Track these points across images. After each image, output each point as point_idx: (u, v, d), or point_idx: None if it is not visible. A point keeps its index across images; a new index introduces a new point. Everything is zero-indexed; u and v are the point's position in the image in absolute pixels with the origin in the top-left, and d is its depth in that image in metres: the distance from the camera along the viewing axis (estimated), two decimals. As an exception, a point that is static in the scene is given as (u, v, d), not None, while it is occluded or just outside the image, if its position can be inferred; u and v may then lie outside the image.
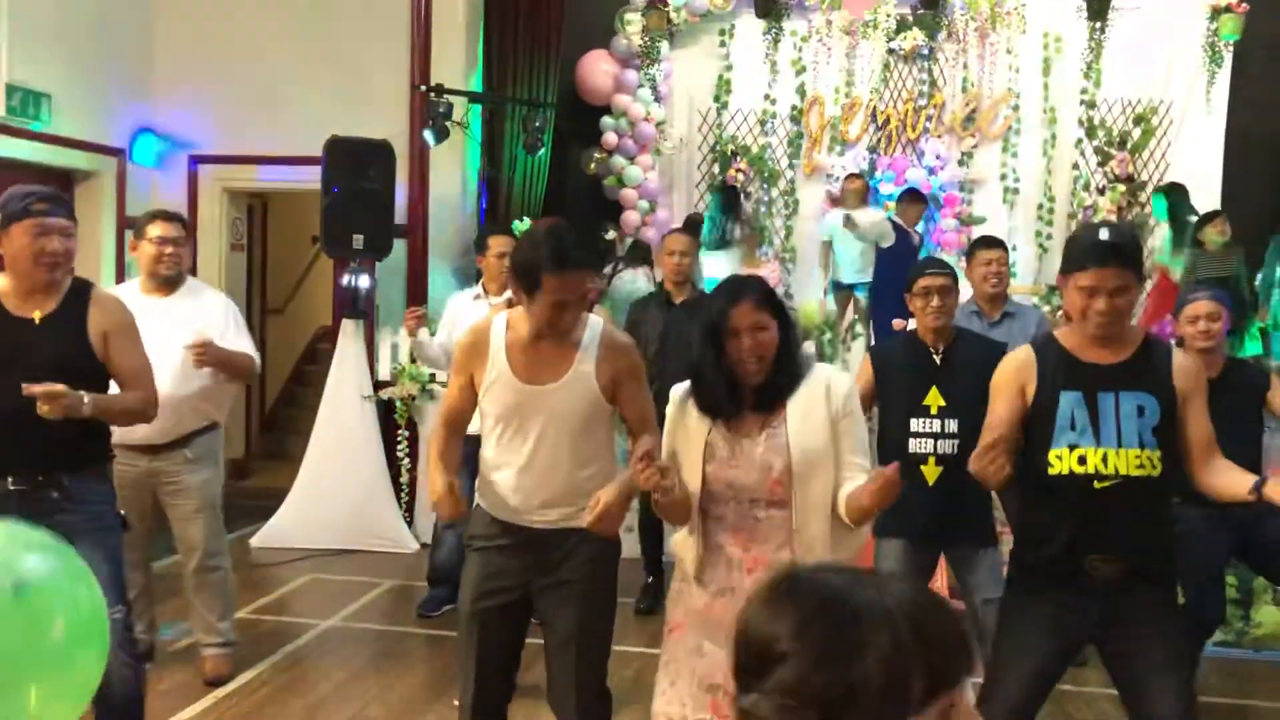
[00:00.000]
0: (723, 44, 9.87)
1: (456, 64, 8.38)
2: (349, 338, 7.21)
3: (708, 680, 2.78)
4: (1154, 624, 2.72)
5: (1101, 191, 9.36)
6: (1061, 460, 2.72)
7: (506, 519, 3.01)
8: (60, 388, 2.91)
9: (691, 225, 8.31)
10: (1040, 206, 9.50)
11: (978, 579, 3.87)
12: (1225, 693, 4.68)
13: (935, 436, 3.76)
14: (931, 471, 3.76)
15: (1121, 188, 9.33)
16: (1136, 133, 9.43)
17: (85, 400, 3.01)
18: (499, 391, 2.95)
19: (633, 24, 9.54)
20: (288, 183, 8.43)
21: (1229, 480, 2.75)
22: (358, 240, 7.06)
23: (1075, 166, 9.46)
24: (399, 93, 8.14)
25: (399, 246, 7.68)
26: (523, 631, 3.09)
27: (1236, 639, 5.22)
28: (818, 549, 2.73)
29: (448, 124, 7.88)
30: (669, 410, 2.87)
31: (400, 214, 7.75)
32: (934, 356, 3.85)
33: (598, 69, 9.69)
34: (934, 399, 3.76)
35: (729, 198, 8.88)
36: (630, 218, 9.64)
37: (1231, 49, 9.19)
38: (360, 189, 7.05)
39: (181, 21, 8.29)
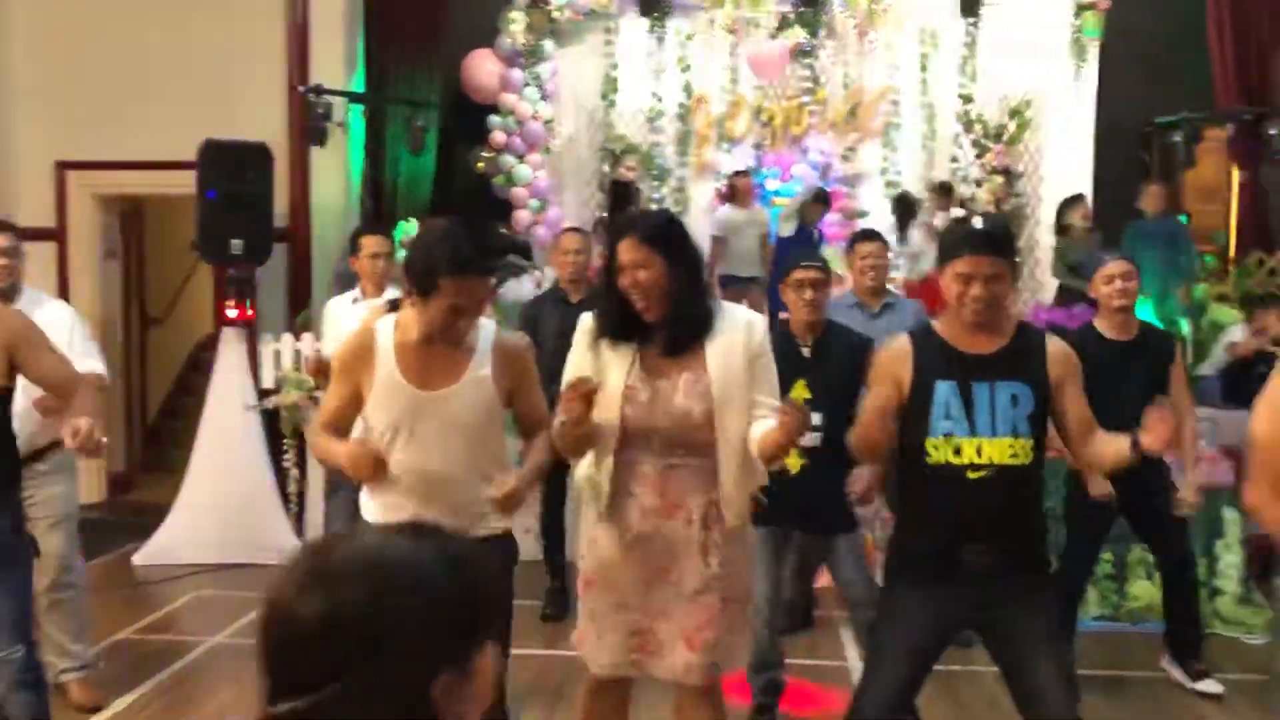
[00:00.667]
0: (608, 42, 9.90)
1: (335, 64, 8.22)
2: (231, 346, 7.01)
3: (635, 626, 2.86)
4: (1029, 604, 2.80)
5: (979, 184, 9.62)
6: (938, 450, 2.76)
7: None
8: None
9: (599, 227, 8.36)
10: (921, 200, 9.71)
11: (840, 562, 3.99)
12: (1103, 665, 4.84)
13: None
14: (795, 462, 3.79)
15: (999, 179, 9.62)
16: (1012, 126, 9.73)
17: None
18: (389, 398, 2.82)
19: (516, 22, 9.50)
20: (162, 188, 8.17)
21: (1109, 448, 2.84)
22: (236, 245, 6.87)
23: (954, 159, 9.72)
24: (277, 94, 7.95)
25: (280, 251, 7.51)
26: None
27: (1113, 612, 5.41)
28: (733, 493, 2.79)
29: (328, 125, 7.73)
30: (578, 338, 2.88)
31: (281, 218, 7.57)
32: (803, 349, 3.89)
33: (483, 68, 9.62)
34: (800, 391, 3.77)
35: (619, 192, 8.89)
36: (521, 216, 9.60)
37: (1096, 44, 9.53)
38: (238, 193, 6.86)
39: (43, 21, 7.97)
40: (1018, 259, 8.20)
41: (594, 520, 2.90)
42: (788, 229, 8.39)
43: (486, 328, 2.91)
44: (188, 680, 4.79)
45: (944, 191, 9.01)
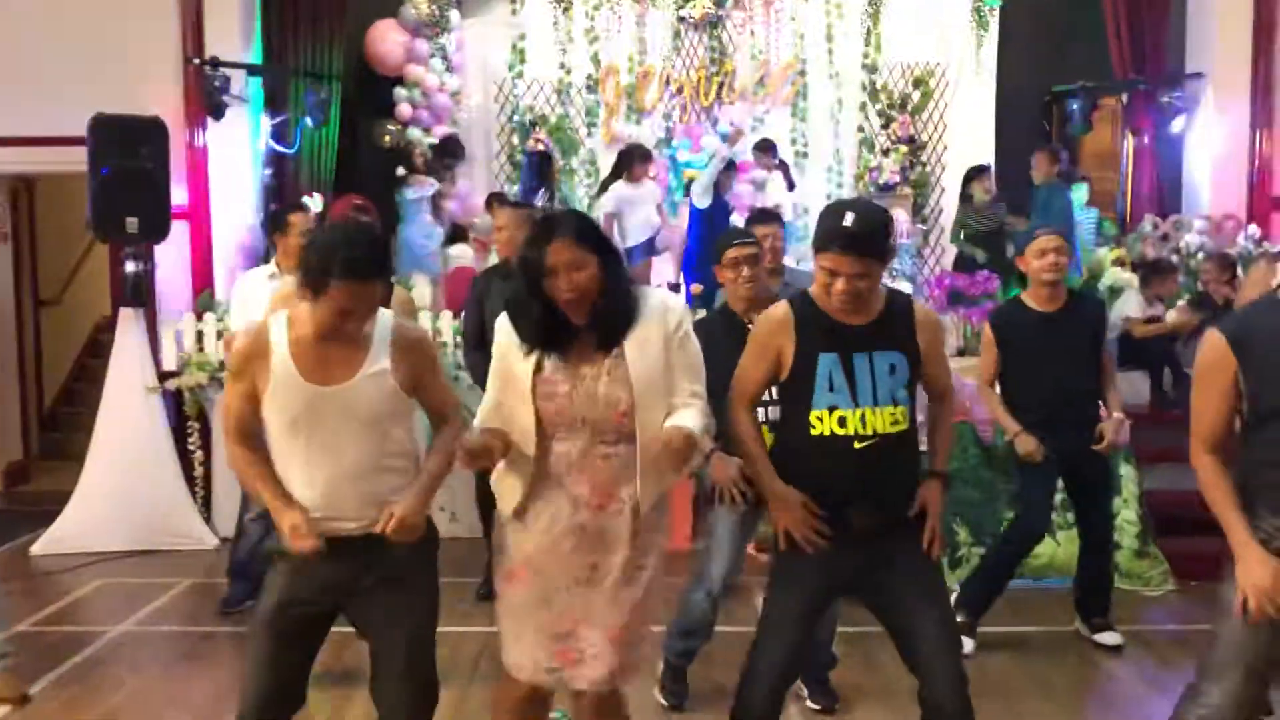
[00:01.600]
0: (514, 12, 9.78)
1: (232, 35, 7.98)
2: (129, 327, 6.81)
3: (555, 629, 2.78)
4: (911, 563, 2.86)
5: (886, 153, 9.75)
6: (823, 421, 2.80)
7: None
8: None
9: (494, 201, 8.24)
10: (830, 169, 9.83)
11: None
12: (1008, 621, 4.98)
13: (765, 404, 3.82)
14: (769, 438, 3.82)
15: (904, 149, 9.76)
16: (916, 95, 9.86)
17: None
18: (285, 395, 2.73)
19: (420, -8, 9.31)
20: (53, 165, 7.86)
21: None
22: (132, 223, 6.66)
23: (860, 129, 9.82)
24: (170, 66, 7.70)
25: (179, 228, 7.29)
26: (320, 642, 2.93)
27: (1023, 570, 5.55)
28: (650, 483, 2.77)
29: (226, 98, 7.51)
30: (498, 339, 2.84)
31: (179, 195, 7.35)
32: (749, 328, 3.88)
33: (387, 39, 9.42)
34: None
35: (537, 164, 8.79)
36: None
37: (996, 13, 9.69)
38: (132, 169, 6.64)
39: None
40: (890, 245, 8.30)
41: (514, 514, 2.84)
42: (704, 201, 8.34)
43: (384, 318, 2.83)
44: (92, 671, 4.67)
45: (764, 149, 9.02)
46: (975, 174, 8.55)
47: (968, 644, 4.62)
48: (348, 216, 3.77)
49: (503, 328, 2.84)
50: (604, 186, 8.62)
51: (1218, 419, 2.65)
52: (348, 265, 2.61)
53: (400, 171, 9.03)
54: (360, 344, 2.76)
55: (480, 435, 2.77)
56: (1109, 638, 4.76)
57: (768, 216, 5.00)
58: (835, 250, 2.74)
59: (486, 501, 5.35)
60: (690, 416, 2.74)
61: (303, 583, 2.78)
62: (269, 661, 2.81)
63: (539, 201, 8.47)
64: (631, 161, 8.43)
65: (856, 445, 2.79)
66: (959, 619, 4.65)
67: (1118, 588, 5.53)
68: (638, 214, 8.42)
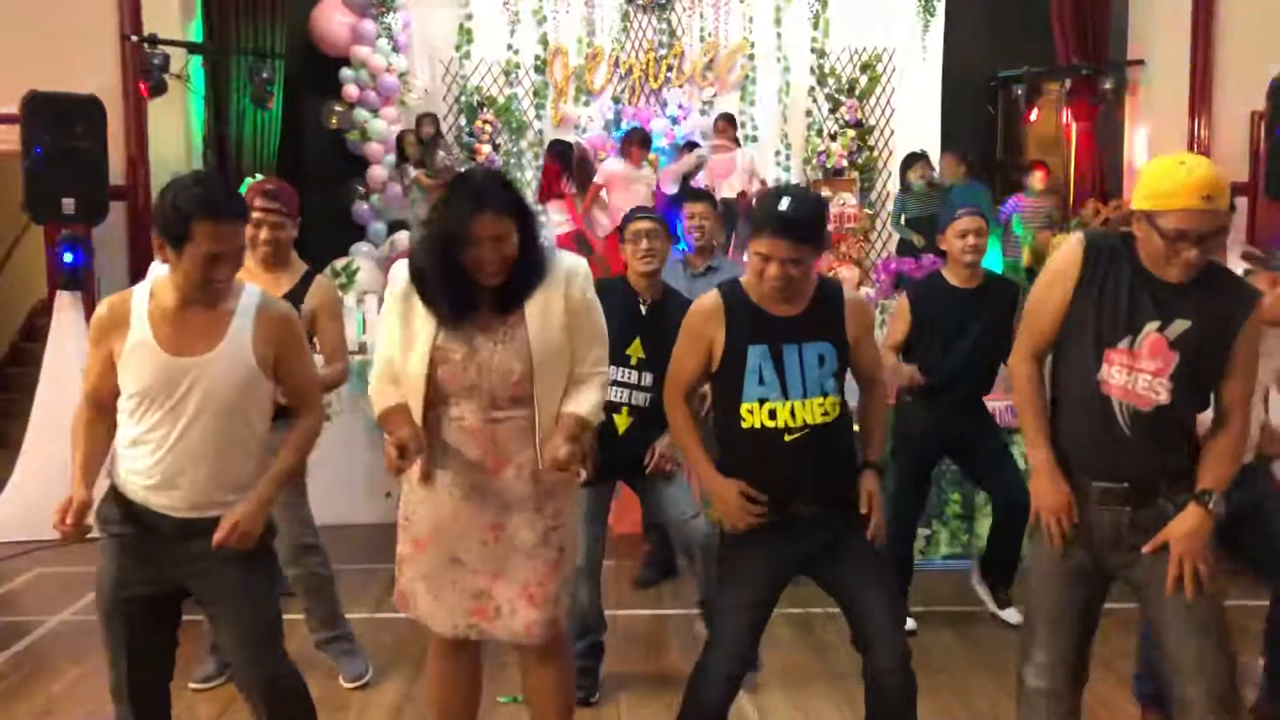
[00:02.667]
0: (461, -8, 9.68)
1: (171, 11, 7.85)
2: (67, 312, 6.67)
3: (472, 589, 2.78)
4: (852, 546, 2.88)
5: (834, 137, 9.80)
6: (753, 414, 2.80)
7: (146, 505, 2.70)
8: None
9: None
10: (778, 153, 9.85)
11: (674, 506, 3.92)
12: (953, 601, 5.04)
13: (631, 388, 3.81)
14: (623, 421, 3.81)
15: (851, 133, 9.81)
16: (863, 80, 9.91)
17: None
18: (139, 363, 2.62)
19: (365, -30, 9.18)
20: (-16, 144, 7.65)
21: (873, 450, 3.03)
22: (68, 205, 6.52)
23: (809, 114, 9.85)
24: (108, 43, 7.53)
25: (117, 210, 7.15)
26: (176, 614, 2.85)
27: (962, 551, 5.63)
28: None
29: (165, 77, 7.37)
30: (389, 296, 2.77)
31: (117, 175, 7.20)
32: (641, 307, 3.88)
33: (332, 19, 9.30)
34: (635, 350, 3.80)
35: (558, 150, 8.74)
36: (376, 173, 9.36)
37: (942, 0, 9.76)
38: (67, 149, 6.50)
39: None
40: (826, 233, 8.39)
41: (417, 481, 2.79)
42: (672, 187, 8.37)
43: (250, 292, 2.74)
44: (30, 662, 4.57)
45: (688, 148, 8.98)
46: (913, 161, 8.64)
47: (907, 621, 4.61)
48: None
49: (403, 281, 2.74)
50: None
51: (1049, 328, 2.67)
52: (207, 203, 2.53)
53: (392, 159, 9.13)
54: (223, 312, 2.67)
55: (393, 430, 2.66)
56: (1011, 616, 4.75)
57: (698, 195, 4.99)
58: (769, 234, 2.73)
59: None
60: (586, 398, 2.75)
61: (133, 563, 2.73)
62: (123, 648, 2.76)
63: (569, 190, 8.45)
64: (631, 142, 8.48)
65: (786, 438, 2.80)
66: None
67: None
68: (629, 193, 8.41)
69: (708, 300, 2.89)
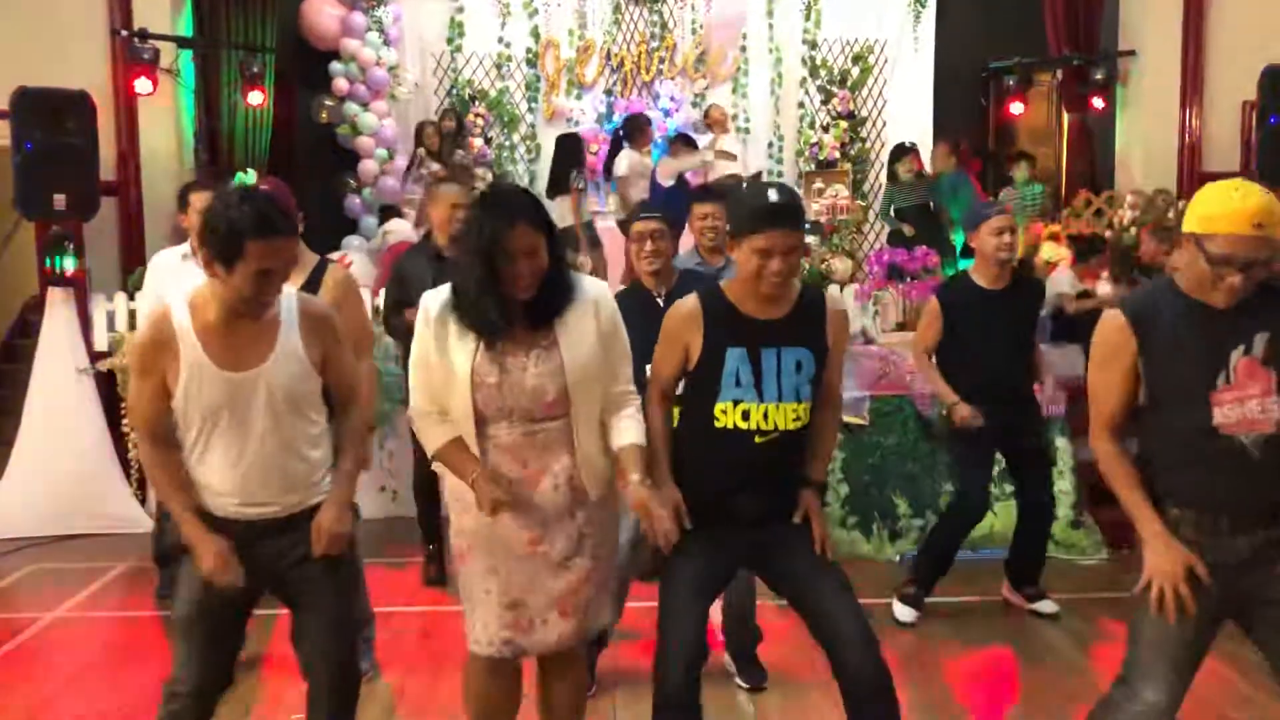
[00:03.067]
0: (452, -15, 9.65)
1: (161, 6, 7.80)
2: (58, 307, 6.65)
3: (506, 598, 2.77)
4: (798, 540, 2.87)
5: (826, 129, 9.80)
6: (727, 415, 2.79)
7: (228, 516, 2.71)
8: None
9: (462, 173, 8.16)
10: (770, 145, 9.86)
11: None
12: (948, 592, 5.04)
13: None
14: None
15: (844, 124, 9.81)
16: (855, 71, 9.91)
17: None
18: (199, 385, 2.61)
19: (356, -36, 9.15)
20: (-27, 140, 7.62)
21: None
22: (59, 200, 6.50)
23: (801, 105, 9.85)
24: (98, 38, 7.50)
25: (109, 205, 7.13)
26: (246, 621, 2.89)
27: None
28: (596, 460, 2.78)
29: (156, 71, 7.34)
30: (421, 322, 2.74)
31: (108, 170, 7.17)
32: (658, 300, 3.89)
33: (322, 12, 9.27)
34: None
35: (570, 145, 8.58)
36: (368, 166, 9.34)
37: (934, -10, 9.76)
38: (58, 144, 6.47)
39: None
40: (813, 221, 8.44)
41: (460, 494, 2.80)
42: (668, 181, 8.30)
43: (288, 295, 2.74)
44: (24, 659, 4.57)
45: (685, 142, 8.84)
46: (901, 154, 8.62)
47: (909, 613, 4.72)
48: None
49: (437, 306, 2.73)
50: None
51: (1120, 406, 2.65)
52: (260, 222, 2.53)
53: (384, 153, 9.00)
54: (268, 325, 2.67)
55: (482, 485, 2.69)
56: (1046, 606, 4.84)
57: (710, 195, 4.97)
58: (767, 228, 2.69)
59: (426, 487, 5.28)
60: (632, 427, 2.79)
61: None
62: (199, 654, 2.75)
63: (576, 185, 8.29)
64: (639, 129, 8.43)
65: (757, 440, 2.79)
66: (909, 589, 4.78)
67: (1053, 556, 5.65)
68: (639, 185, 8.39)
69: (686, 303, 2.87)
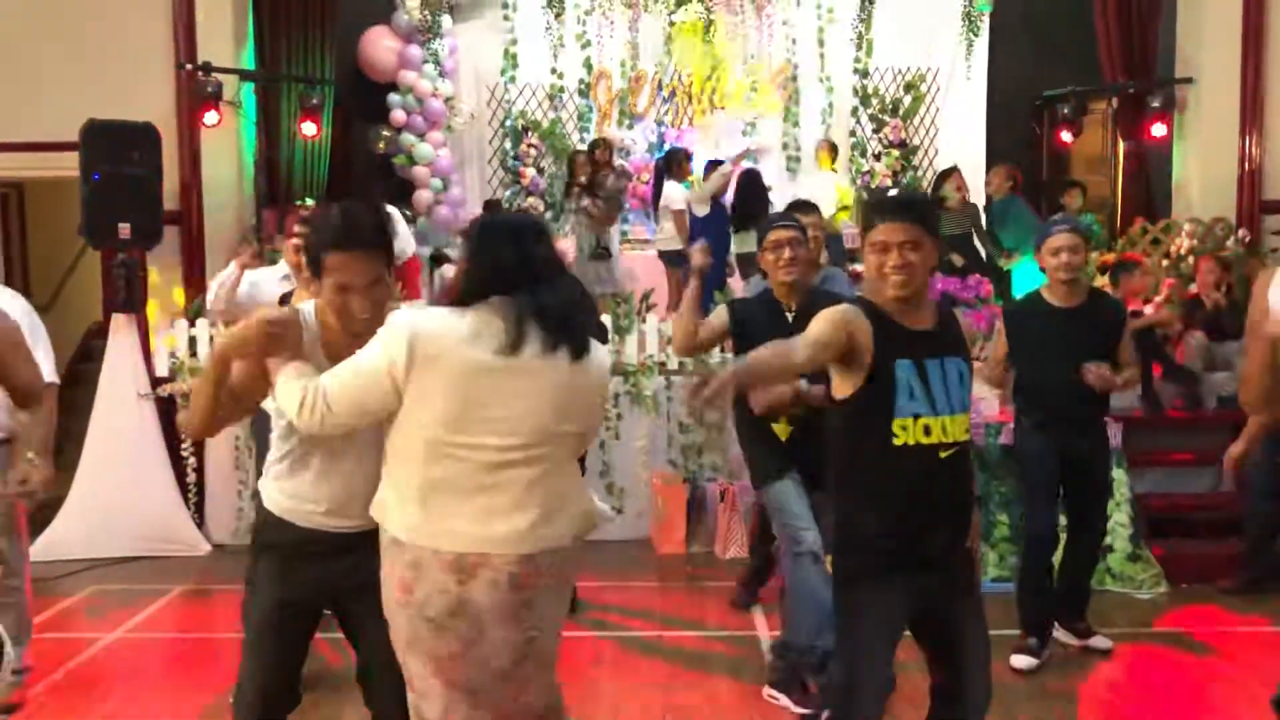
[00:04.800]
0: (506, 17, 9.81)
1: (225, 40, 7.99)
2: (121, 333, 6.80)
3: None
4: (968, 580, 2.81)
5: (878, 158, 9.78)
6: (906, 430, 2.66)
7: (312, 526, 2.66)
8: None
9: (490, 208, 8.23)
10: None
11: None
12: (1003, 625, 4.95)
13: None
14: (783, 430, 3.90)
15: (896, 153, 9.79)
16: (907, 100, 9.89)
17: None
18: None
19: (412, -2, 9.33)
20: (45, 170, 7.86)
21: None
22: (124, 229, 6.66)
23: (852, 134, 9.84)
24: (163, 72, 7.70)
25: (171, 234, 7.29)
26: (311, 636, 2.84)
27: (1010, 574, 5.56)
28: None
29: (219, 104, 7.52)
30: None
31: (171, 200, 7.35)
32: (787, 315, 3.90)
33: (380, 45, 9.45)
34: None
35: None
36: (423, 196, 9.48)
37: (986, 18, 9.73)
38: (124, 175, 6.64)
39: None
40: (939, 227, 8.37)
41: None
42: (703, 209, 8.31)
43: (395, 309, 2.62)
44: (85, 678, 4.65)
45: (712, 167, 8.72)
46: (945, 176, 8.51)
47: (1029, 661, 4.54)
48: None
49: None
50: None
51: None
52: (336, 234, 2.50)
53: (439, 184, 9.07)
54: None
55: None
56: (1100, 642, 4.73)
57: (808, 206, 4.94)
58: (882, 219, 2.66)
59: None
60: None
61: (295, 581, 2.68)
62: (271, 664, 2.73)
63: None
64: (678, 162, 8.50)
65: (942, 454, 2.68)
66: (1024, 641, 4.58)
67: (1110, 590, 5.57)
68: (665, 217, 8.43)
69: (849, 311, 2.72)
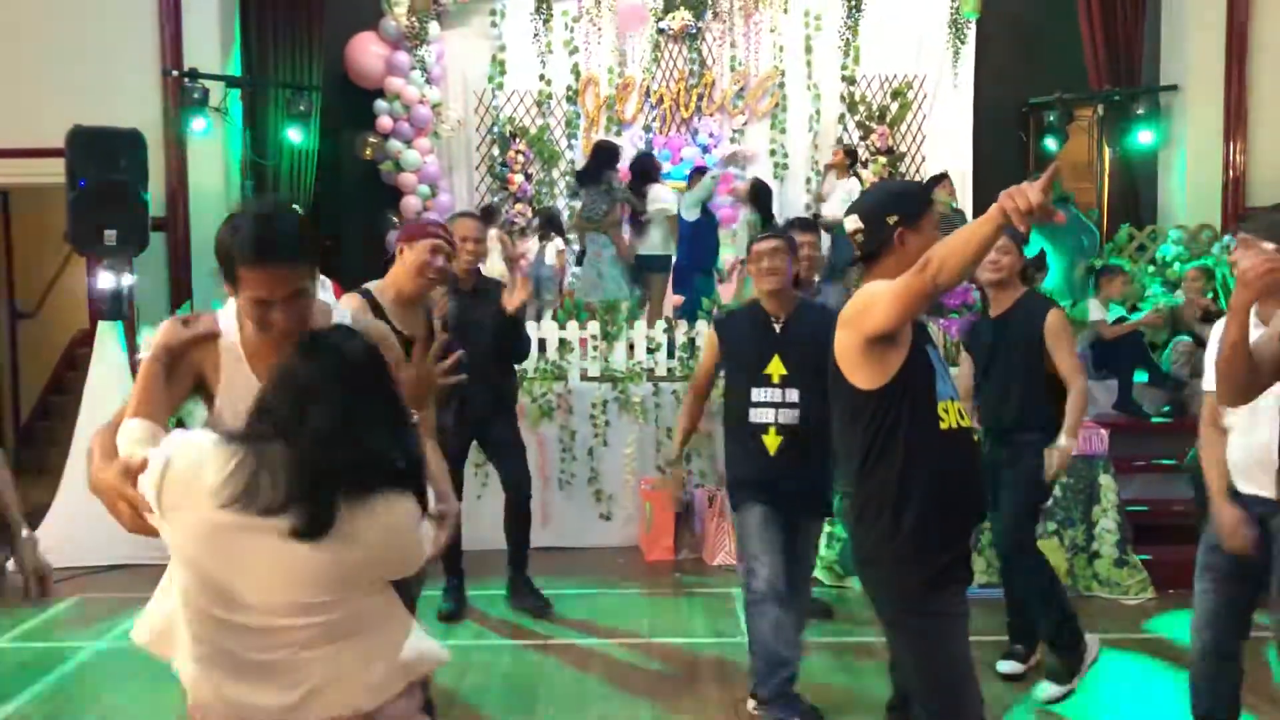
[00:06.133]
0: (494, 24, 9.81)
1: (211, 47, 7.99)
2: (107, 340, 6.77)
3: None
4: None
5: (865, 164, 9.79)
6: (948, 413, 2.57)
7: None
8: None
9: (487, 213, 8.20)
10: (808, 180, 9.87)
11: (805, 550, 4.00)
12: (990, 630, 4.99)
13: (776, 406, 3.83)
14: (773, 441, 3.83)
15: (883, 160, 9.81)
16: (894, 107, 9.92)
17: None
18: (234, 395, 2.28)
19: (399, 4, 9.32)
20: (30, 177, 7.82)
21: None
22: (109, 236, 6.63)
23: (839, 141, 9.86)
24: (150, 78, 7.68)
25: (158, 241, 7.27)
26: None
27: (998, 580, 5.57)
28: None
29: (205, 110, 7.50)
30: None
31: (158, 206, 7.32)
32: (774, 325, 3.91)
33: (367, 51, 9.43)
34: (775, 368, 3.82)
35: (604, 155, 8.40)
36: (410, 203, 9.46)
37: (973, 26, 9.77)
38: (109, 181, 6.61)
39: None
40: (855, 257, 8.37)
41: None
42: (692, 214, 8.31)
43: (341, 315, 2.43)
44: (70, 687, 4.62)
45: (698, 174, 8.68)
46: (938, 181, 8.52)
47: (1059, 689, 4.27)
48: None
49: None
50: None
51: None
52: (250, 247, 2.15)
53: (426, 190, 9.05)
54: None
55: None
56: (1008, 666, 4.47)
57: (806, 225, 4.94)
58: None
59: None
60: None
61: None
62: None
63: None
64: (650, 168, 8.44)
65: (975, 438, 2.65)
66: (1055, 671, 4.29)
67: (1098, 596, 5.59)
68: (660, 221, 8.41)
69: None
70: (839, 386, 2.64)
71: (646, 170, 8.40)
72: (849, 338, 2.58)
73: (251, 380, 2.28)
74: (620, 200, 8.05)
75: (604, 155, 8.24)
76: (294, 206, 2.44)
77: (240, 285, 2.19)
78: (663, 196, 8.30)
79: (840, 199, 8.49)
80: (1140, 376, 7.04)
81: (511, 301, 4.92)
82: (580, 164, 9.62)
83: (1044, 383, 4.16)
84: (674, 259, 8.31)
